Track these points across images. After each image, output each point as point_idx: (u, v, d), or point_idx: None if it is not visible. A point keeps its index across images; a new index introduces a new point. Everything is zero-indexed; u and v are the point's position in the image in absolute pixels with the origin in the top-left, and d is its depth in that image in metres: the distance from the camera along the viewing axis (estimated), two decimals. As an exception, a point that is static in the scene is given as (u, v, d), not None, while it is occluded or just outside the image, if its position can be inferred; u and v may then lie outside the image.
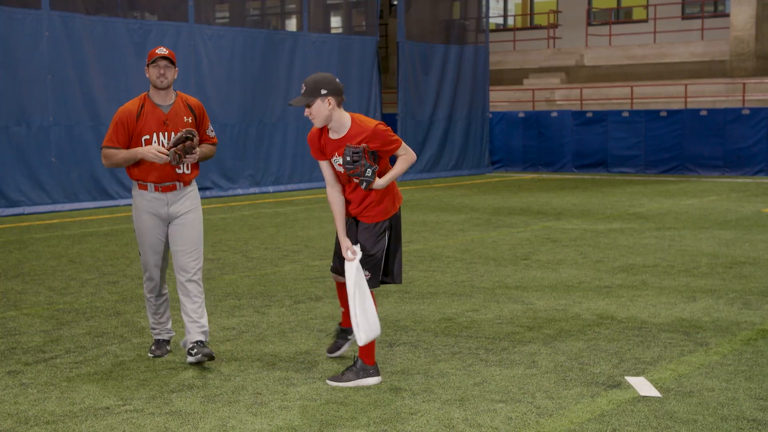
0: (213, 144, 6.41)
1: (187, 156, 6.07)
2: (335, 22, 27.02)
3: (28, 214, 16.08)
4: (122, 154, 6.09)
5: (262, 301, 8.30)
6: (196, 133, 6.08)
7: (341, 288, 6.09)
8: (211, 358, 6.06)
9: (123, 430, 4.94)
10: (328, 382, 5.72)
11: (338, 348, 6.27)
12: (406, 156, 5.81)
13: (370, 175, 5.61)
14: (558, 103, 28.12)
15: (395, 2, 28.96)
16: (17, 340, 6.91)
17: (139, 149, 6.07)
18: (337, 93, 5.58)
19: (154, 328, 6.51)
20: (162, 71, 6.10)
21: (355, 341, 6.02)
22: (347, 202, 5.84)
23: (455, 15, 26.80)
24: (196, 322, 6.17)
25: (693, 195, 18.42)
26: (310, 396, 5.48)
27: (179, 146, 6.04)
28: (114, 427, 4.98)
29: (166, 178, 6.16)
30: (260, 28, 22.95)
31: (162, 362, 6.23)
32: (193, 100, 6.31)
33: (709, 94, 25.70)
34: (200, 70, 18.86)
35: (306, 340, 6.85)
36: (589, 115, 25.30)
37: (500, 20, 36.09)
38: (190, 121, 6.22)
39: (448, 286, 8.93)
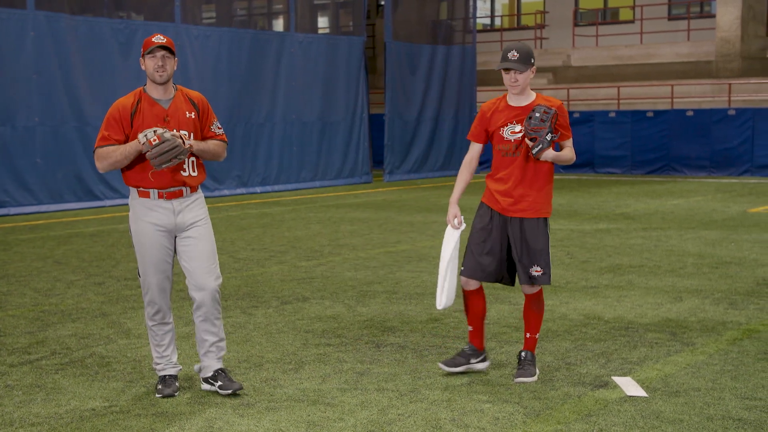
0: (222, 141, 5.62)
1: (155, 157, 5.23)
2: (322, 22, 27.00)
3: (12, 215, 15.99)
4: (120, 150, 5.31)
5: (249, 302, 8.28)
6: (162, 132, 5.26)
7: (471, 300, 5.93)
8: (239, 389, 5.44)
9: (109, 431, 4.92)
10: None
11: (455, 365, 5.89)
12: (572, 149, 5.85)
13: (548, 139, 5.60)
14: (545, 103, 28.12)
15: (382, 2, 28.95)
16: (2, 342, 6.87)
17: (134, 142, 5.30)
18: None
19: (157, 363, 5.59)
20: (160, 62, 5.35)
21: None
22: (499, 188, 5.79)
23: (442, 15, 26.82)
24: (215, 345, 5.52)
25: (679, 195, 18.49)
26: (297, 397, 5.47)
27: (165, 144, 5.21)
28: (100, 428, 4.96)
29: (170, 183, 5.40)
30: (247, 28, 22.94)
31: (148, 363, 6.20)
32: (194, 94, 5.59)
33: (695, 95, 25.80)
34: (187, 70, 18.79)
35: (293, 341, 6.83)
36: (576, 115, 25.35)
37: (487, 20, 36.15)
38: (193, 116, 5.48)
39: (435, 287, 8.91)
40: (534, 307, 5.91)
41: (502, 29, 34.51)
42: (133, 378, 5.89)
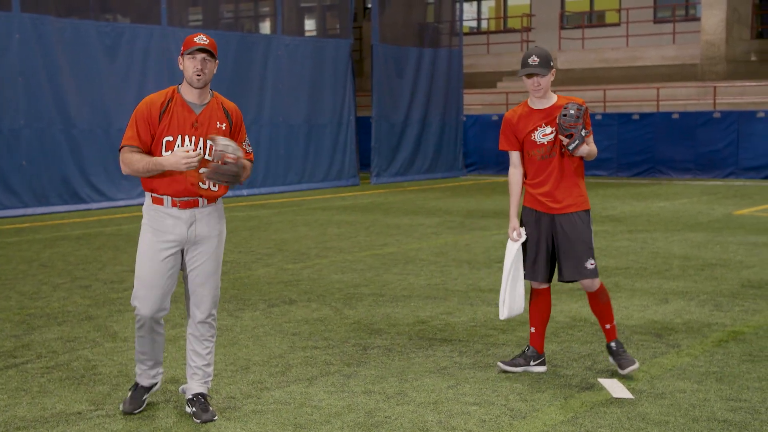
0: (249, 160, 5.18)
1: (218, 171, 4.88)
2: (309, 25, 27.00)
3: (-2, 217, 15.93)
4: (144, 162, 4.94)
5: (236, 305, 8.27)
6: (241, 154, 4.92)
7: (536, 300, 6.01)
8: (211, 420, 5.10)
9: (95, 435, 4.90)
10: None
11: (515, 365, 6.00)
12: (594, 144, 5.91)
13: (583, 135, 5.69)
14: (531, 106, 28.19)
15: (369, 5, 28.97)
16: (-13, 346, 6.84)
17: (162, 159, 4.92)
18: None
19: (139, 367, 5.33)
20: (200, 66, 4.96)
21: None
22: (541, 191, 5.86)
23: (429, 18, 26.86)
24: (201, 369, 5.21)
25: (665, 198, 18.56)
26: (284, 400, 5.47)
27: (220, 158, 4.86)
28: (86, 432, 4.94)
29: (186, 192, 5.02)
30: (234, 30, 22.90)
31: (134, 367, 6.17)
32: (230, 105, 5.20)
33: (680, 98, 25.91)
34: (174, 73, 18.74)
35: (280, 344, 6.83)
36: (563, 118, 25.40)
37: (474, 23, 36.22)
38: (224, 127, 5.08)
39: (422, 289, 8.93)
40: (602, 299, 5.95)
41: (488, 32, 34.57)
42: (120, 381, 5.87)
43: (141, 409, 5.23)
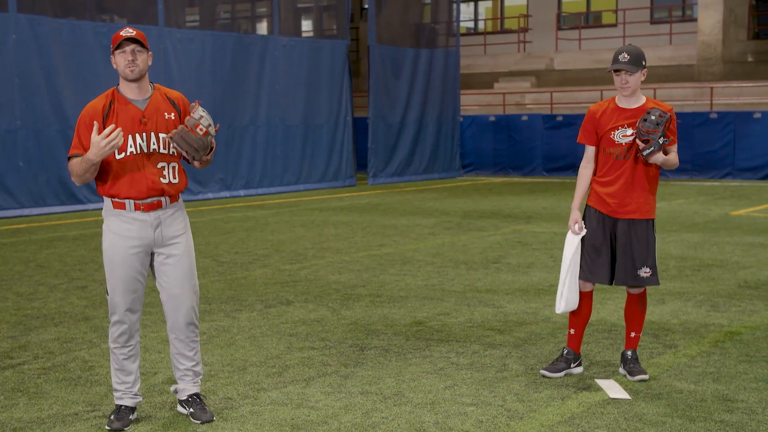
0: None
1: (183, 137, 4.82)
2: (306, 25, 26.99)
3: (-5, 218, 15.91)
4: (80, 163, 4.78)
5: (233, 306, 8.26)
6: (213, 131, 4.88)
7: (582, 302, 5.92)
8: (209, 421, 5.08)
9: (91, 436, 4.90)
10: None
11: (558, 370, 5.93)
12: (677, 154, 5.86)
13: (660, 143, 5.63)
14: (528, 106, 28.26)
15: (366, 6, 28.97)
16: (-16, 346, 6.83)
17: (87, 155, 4.73)
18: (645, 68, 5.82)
19: (116, 390, 5.08)
20: (131, 57, 4.82)
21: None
22: (608, 191, 5.80)
23: (426, 19, 26.87)
24: (191, 370, 5.15)
25: (661, 198, 18.56)
26: (281, 401, 5.47)
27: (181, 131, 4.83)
28: (82, 433, 4.94)
29: (148, 192, 4.87)
30: (230, 31, 22.88)
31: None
32: (175, 94, 5.06)
33: (677, 98, 25.93)
34: (170, 73, 18.75)
35: (276, 345, 6.83)
36: (559, 119, 25.44)
37: (471, 24, 36.23)
38: (173, 117, 4.95)
39: (419, 290, 8.93)
40: (639, 306, 5.93)
41: (485, 33, 34.59)
42: (116, 382, 5.86)
43: (128, 427, 4.99)
